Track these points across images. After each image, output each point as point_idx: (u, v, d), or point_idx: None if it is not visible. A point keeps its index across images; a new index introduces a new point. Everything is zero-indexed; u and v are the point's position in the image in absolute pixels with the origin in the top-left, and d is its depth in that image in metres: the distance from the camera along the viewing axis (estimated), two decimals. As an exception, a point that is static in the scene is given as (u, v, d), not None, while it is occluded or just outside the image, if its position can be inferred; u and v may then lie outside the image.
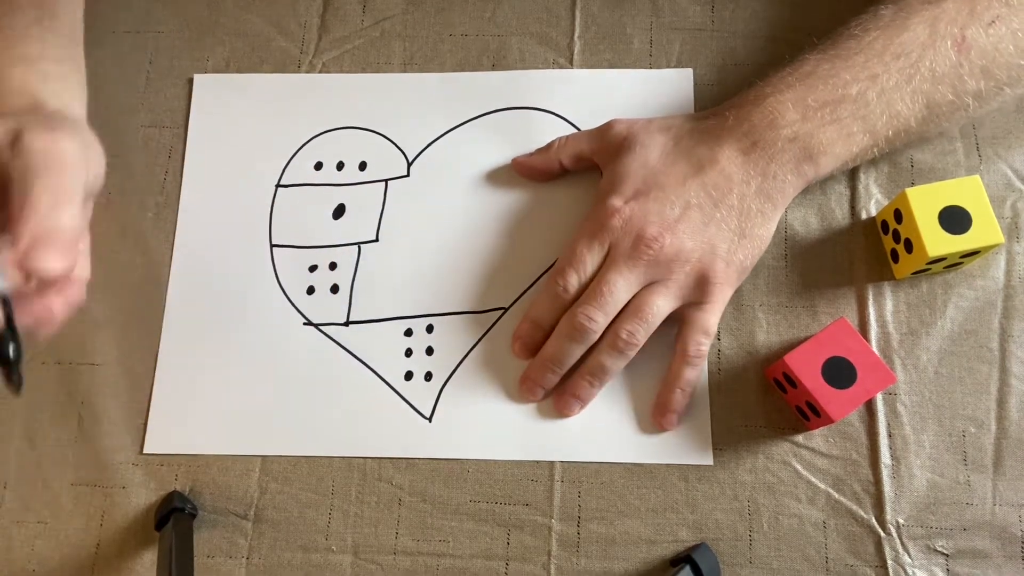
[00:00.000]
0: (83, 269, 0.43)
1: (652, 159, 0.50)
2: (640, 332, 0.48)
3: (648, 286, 0.49)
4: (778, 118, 0.48)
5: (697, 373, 0.50)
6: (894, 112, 0.48)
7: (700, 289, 0.49)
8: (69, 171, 0.39)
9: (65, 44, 0.50)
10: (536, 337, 0.51)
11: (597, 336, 0.49)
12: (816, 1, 0.58)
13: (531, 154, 0.55)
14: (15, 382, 0.37)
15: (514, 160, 0.55)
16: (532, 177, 0.55)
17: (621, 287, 0.48)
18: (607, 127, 0.53)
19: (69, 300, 0.41)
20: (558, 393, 0.50)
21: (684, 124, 0.52)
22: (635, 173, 0.50)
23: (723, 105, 0.51)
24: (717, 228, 0.48)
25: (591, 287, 0.49)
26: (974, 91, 0.49)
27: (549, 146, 0.55)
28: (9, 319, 0.37)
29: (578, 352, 0.50)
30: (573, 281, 0.49)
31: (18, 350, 0.37)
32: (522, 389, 0.51)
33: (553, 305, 0.50)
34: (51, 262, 0.37)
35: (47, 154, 0.39)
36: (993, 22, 0.48)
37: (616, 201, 0.49)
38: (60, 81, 0.48)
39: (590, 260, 0.49)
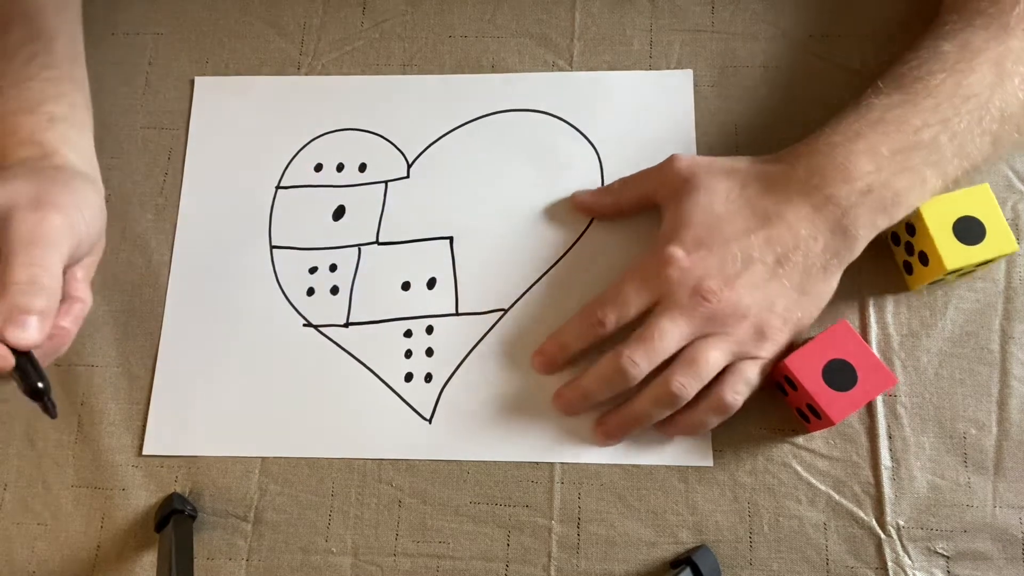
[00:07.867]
0: (87, 296, 0.48)
1: (716, 206, 0.48)
2: (692, 386, 0.47)
3: (703, 338, 0.47)
4: (852, 169, 0.47)
5: (719, 421, 0.48)
6: (964, 154, 0.47)
7: (755, 344, 0.47)
8: (50, 248, 0.43)
9: (64, 71, 0.52)
10: (559, 358, 0.51)
11: (637, 382, 0.48)
12: (817, 3, 0.58)
13: (592, 193, 0.54)
14: (50, 409, 0.42)
15: (575, 198, 0.54)
16: (592, 216, 0.54)
17: (672, 337, 0.47)
18: (667, 164, 0.51)
19: (76, 317, 0.47)
20: (599, 423, 0.50)
21: (749, 168, 0.50)
22: (697, 221, 0.48)
23: (789, 151, 0.49)
24: (779, 285, 0.47)
25: (640, 332, 0.47)
26: None
27: (610, 188, 0.54)
28: (28, 355, 0.41)
29: (613, 393, 0.49)
30: (612, 318, 0.48)
31: (45, 381, 0.41)
32: (556, 404, 0.50)
33: (584, 334, 0.49)
34: (23, 337, 0.41)
35: (31, 233, 0.43)
36: None
37: (676, 251, 0.48)
38: (64, 122, 0.51)
39: (635, 303, 0.48)
